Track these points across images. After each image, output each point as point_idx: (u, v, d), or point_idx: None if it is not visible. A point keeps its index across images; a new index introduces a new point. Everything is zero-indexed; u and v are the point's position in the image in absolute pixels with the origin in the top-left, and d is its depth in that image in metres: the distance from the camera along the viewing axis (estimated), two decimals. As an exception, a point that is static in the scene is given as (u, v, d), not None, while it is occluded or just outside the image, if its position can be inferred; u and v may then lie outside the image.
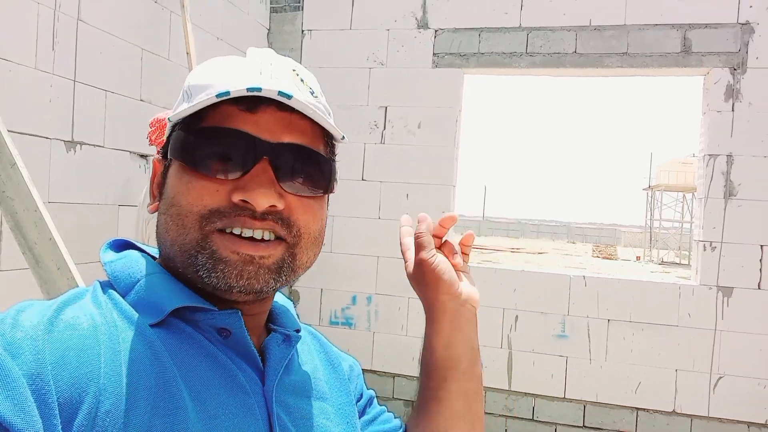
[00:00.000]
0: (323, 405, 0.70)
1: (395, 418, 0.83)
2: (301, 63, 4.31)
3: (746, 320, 3.58)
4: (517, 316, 3.93)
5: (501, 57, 4.00)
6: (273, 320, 0.71)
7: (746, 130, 3.60)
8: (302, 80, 0.65)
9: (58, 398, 0.48)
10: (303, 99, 0.60)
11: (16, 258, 2.18)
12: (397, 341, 4.09)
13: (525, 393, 3.93)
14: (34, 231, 1.46)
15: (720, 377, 3.63)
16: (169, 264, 0.63)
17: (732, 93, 3.62)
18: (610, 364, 3.79)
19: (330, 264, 4.16)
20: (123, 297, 0.60)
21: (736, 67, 3.61)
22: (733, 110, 3.62)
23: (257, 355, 0.63)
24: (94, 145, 2.79)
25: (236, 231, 0.59)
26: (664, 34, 3.74)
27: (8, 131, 1.80)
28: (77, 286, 1.49)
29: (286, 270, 0.62)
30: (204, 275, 0.59)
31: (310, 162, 0.63)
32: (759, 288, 3.56)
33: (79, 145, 2.69)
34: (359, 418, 0.76)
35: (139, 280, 0.61)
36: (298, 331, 0.72)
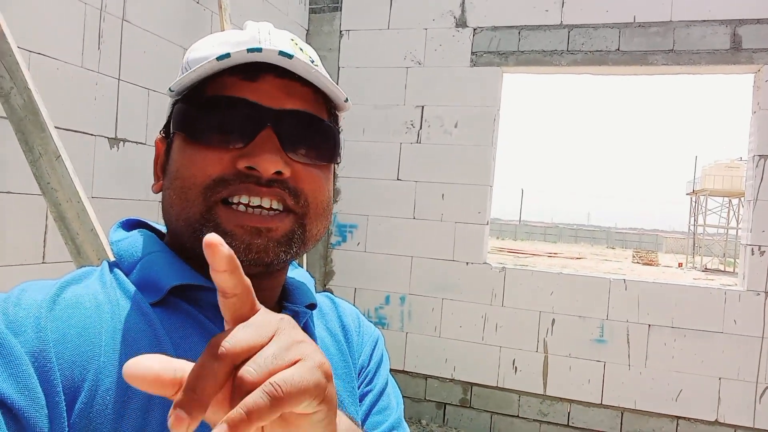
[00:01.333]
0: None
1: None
2: (339, 63, 4.34)
3: (797, 329, 3.42)
4: (554, 320, 3.85)
5: (541, 55, 3.93)
6: (287, 297, 0.69)
7: (799, 130, 3.44)
8: (301, 49, 0.63)
9: (60, 376, 0.48)
10: (304, 62, 0.58)
11: (60, 251, 2.25)
12: (429, 342, 4.06)
13: (560, 398, 3.85)
14: (76, 222, 1.50)
15: (767, 387, 3.48)
16: (176, 240, 0.63)
17: (784, 91, 3.47)
18: (650, 371, 3.68)
19: (364, 263, 4.16)
20: (127, 276, 0.60)
21: (788, 65, 3.46)
22: (785, 109, 3.47)
23: None
24: (136, 142, 2.85)
25: (243, 200, 0.57)
26: (712, 30, 3.62)
27: (55, 127, 1.86)
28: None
29: (297, 242, 0.60)
30: None
31: (314, 129, 0.61)
32: (811, 295, 3.40)
33: (122, 142, 2.76)
34: (358, 388, 0.72)
35: (141, 259, 0.60)
36: (312, 306, 0.69)
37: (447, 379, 4.03)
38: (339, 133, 0.66)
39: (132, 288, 0.58)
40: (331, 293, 0.80)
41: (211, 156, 0.58)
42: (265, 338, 0.36)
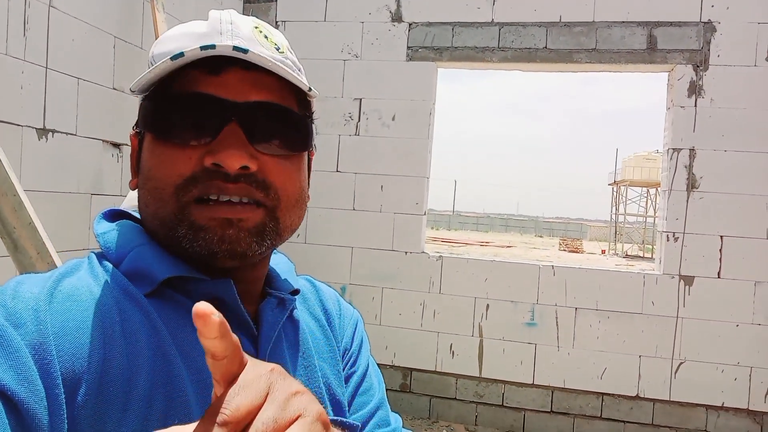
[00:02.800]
0: (319, 365, 0.69)
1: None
2: (275, 54, 4.30)
3: (706, 308, 3.73)
4: (488, 305, 4.02)
5: (474, 51, 4.06)
6: (270, 284, 0.70)
7: (708, 125, 3.74)
8: (266, 37, 0.62)
9: (60, 368, 0.48)
10: (265, 54, 0.58)
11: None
12: (370, 330, 4.11)
13: (495, 380, 4.03)
14: (12, 216, 1.45)
15: (681, 363, 3.78)
16: (153, 234, 0.63)
17: (695, 89, 3.76)
18: (577, 351, 3.92)
19: (305, 255, 4.18)
20: (116, 267, 0.60)
21: (698, 64, 3.75)
22: (695, 106, 3.76)
23: (251, 323, 0.62)
24: (66, 133, 2.75)
25: (212, 197, 0.57)
26: (630, 31, 3.86)
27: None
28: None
29: (270, 233, 0.61)
30: (187, 245, 0.58)
31: (281, 119, 0.61)
32: (719, 277, 3.72)
33: (51, 133, 2.66)
34: (342, 370, 0.74)
35: (130, 251, 0.60)
36: (296, 292, 0.71)
37: (387, 365, 4.12)
38: (310, 120, 0.66)
39: (124, 279, 0.58)
40: (311, 277, 0.82)
41: (179, 155, 0.58)
42: (261, 398, 0.36)
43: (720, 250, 3.73)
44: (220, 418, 0.33)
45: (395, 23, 4.16)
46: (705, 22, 3.75)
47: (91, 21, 2.86)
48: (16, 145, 2.48)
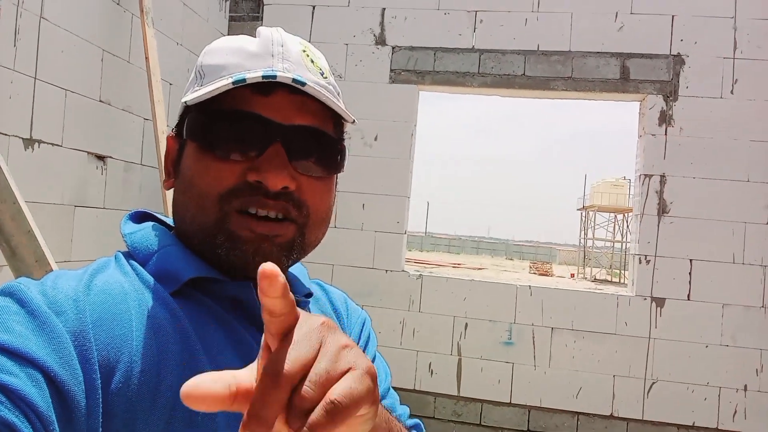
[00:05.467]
0: None
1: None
2: (259, 72, 4.35)
3: (677, 329, 3.85)
4: (466, 324, 4.07)
5: (455, 76, 4.18)
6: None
7: (677, 153, 3.90)
8: (312, 61, 0.67)
9: (97, 356, 0.52)
10: (315, 83, 0.63)
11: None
12: (349, 349, 4.13)
13: (473, 398, 4.06)
14: (11, 223, 1.45)
15: (654, 382, 3.88)
16: (185, 237, 0.67)
17: (665, 118, 3.93)
18: (553, 371, 3.99)
19: (284, 272, 4.17)
20: (143, 266, 0.63)
21: (669, 95, 3.93)
22: (666, 134, 3.92)
23: None
24: (52, 143, 2.73)
25: (251, 210, 0.62)
26: (604, 61, 4.03)
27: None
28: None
29: (297, 249, 0.66)
30: (223, 253, 0.62)
31: (320, 143, 0.66)
32: (688, 299, 3.85)
33: (37, 143, 2.64)
34: None
35: (156, 251, 0.64)
36: (309, 295, 0.75)
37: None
38: (344, 144, 0.71)
39: (150, 278, 0.61)
40: (321, 281, 0.87)
41: (224, 168, 0.62)
42: (315, 351, 0.38)
43: (689, 273, 3.86)
44: (278, 372, 0.36)
45: (379, 46, 4.26)
46: (675, 55, 3.94)
47: (81, 33, 2.87)
48: (2, 155, 2.45)
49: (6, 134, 2.47)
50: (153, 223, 0.70)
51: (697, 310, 3.83)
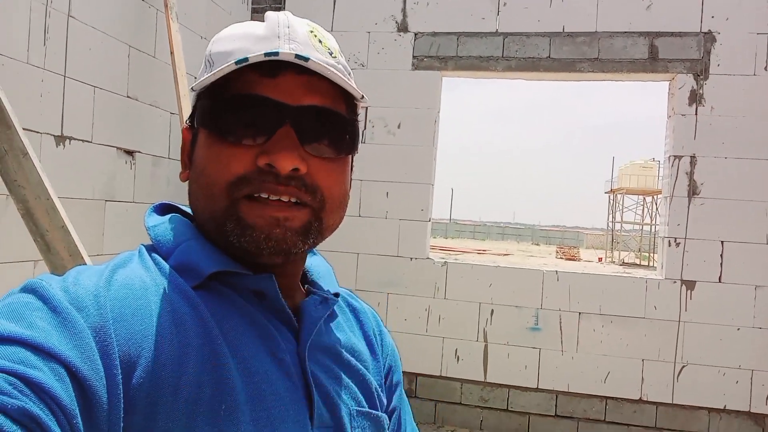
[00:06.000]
0: (357, 369, 0.71)
1: None
2: (282, 63, 4.38)
3: (708, 312, 3.79)
4: (492, 310, 4.07)
5: (478, 60, 4.14)
6: (312, 283, 0.73)
7: (708, 133, 3.82)
8: (320, 41, 0.65)
9: (118, 351, 0.52)
10: (321, 60, 0.60)
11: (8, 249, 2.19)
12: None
13: (500, 384, 4.07)
14: (45, 218, 1.50)
15: (683, 366, 3.83)
16: (203, 230, 0.66)
17: (695, 97, 3.84)
18: (581, 355, 3.97)
19: (311, 260, 4.22)
20: (165, 260, 0.63)
21: (699, 73, 3.83)
22: (696, 114, 3.83)
23: (292, 315, 0.65)
24: (82, 140, 2.80)
25: (263, 195, 0.60)
26: (632, 41, 3.94)
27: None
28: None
29: (314, 232, 0.64)
30: (234, 240, 0.61)
31: (332, 123, 0.64)
32: (720, 281, 3.78)
33: (68, 140, 2.71)
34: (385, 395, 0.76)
35: (179, 245, 0.63)
36: (336, 295, 0.74)
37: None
38: (357, 124, 0.68)
39: (173, 272, 0.61)
40: (351, 293, 0.84)
41: (233, 153, 0.61)
42: None
43: (721, 255, 3.79)
44: None
45: (401, 33, 4.24)
46: (705, 33, 3.84)
47: (107, 30, 2.92)
48: (35, 152, 2.52)
49: (38, 132, 2.54)
50: (175, 215, 0.70)
51: (729, 292, 3.76)
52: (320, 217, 0.64)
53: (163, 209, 0.71)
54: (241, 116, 0.61)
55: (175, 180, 3.53)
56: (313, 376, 0.63)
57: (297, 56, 0.58)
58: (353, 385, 0.69)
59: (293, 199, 0.61)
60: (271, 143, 0.60)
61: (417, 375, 4.15)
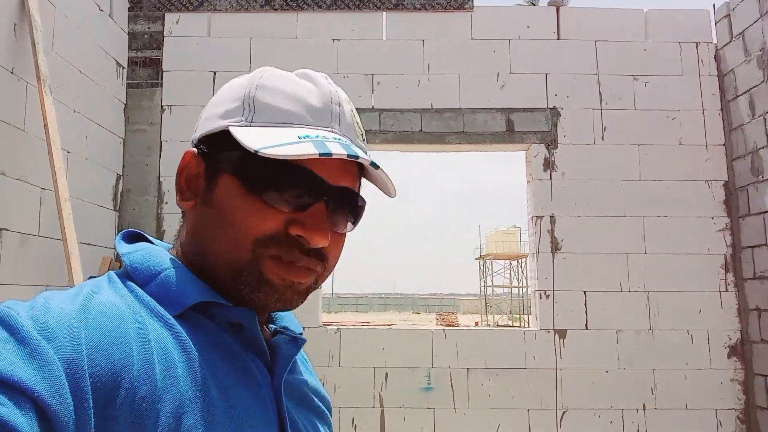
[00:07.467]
0: (318, 410, 0.75)
1: None
2: (161, 137, 4.32)
3: (579, 357, 4.13)
4: (387, 374, 4.12)
5: (358, 134, 4.37)
6: (274, 321, 0.77)
7: (562, 194, 4.31)
8: (357, 123, 0.70)
9: (92, 383, 0.50)
10: (362, 155, 0.64)
11: None
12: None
13: (398, 449, 4.06)
14: None
15: (564, 411, 4.10)
16: (188, 260, 0.67)
17: (549, 164, 4.34)
18: (472, 411, 4.10)
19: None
20: (142, 287, 0.62)
21: (550, 143, 4.36)
22: (551, 178, 4.33)
23: (267, 350, 0.67)
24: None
25: (285, 259, 0.63)
26: (491, 116, 4.42)
27: None
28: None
29: (310, 293, 0.69)
30: (247, 291, 0.63)
31: (353, 203, 0.69)
32: (586, 328, 4.16)
33: None
34: None
35: (159, 273, 0.63)
36: (301, 335, 0.76)
37: None
38: (365, 201, 0.73)
39: (151, 300, 0.60)
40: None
41: (267, 212, 0.63)
42: None
43: (585, 304, 4.20)
44: None
45: (282, 109, 4.38)
46: (551, 108, 4.41)
47: (-28, 103, 2.75)
48: None
49: None
50: (148, 244, 0.70)
51: (595, 338, 4.15)
52: (318, 280, 0.68)
53: (131, 237, 0.71)
54: (285, 182, 0.63)
55: (45, 259, 3.28)
56: (287, 410, 0.66)
57: (350, 156, 0.61)
58: (319, 425, 0.73)
59: (309, 266, 0.66)
60: (305, 216, 0.63)
61: (314, 449, 4.02)
